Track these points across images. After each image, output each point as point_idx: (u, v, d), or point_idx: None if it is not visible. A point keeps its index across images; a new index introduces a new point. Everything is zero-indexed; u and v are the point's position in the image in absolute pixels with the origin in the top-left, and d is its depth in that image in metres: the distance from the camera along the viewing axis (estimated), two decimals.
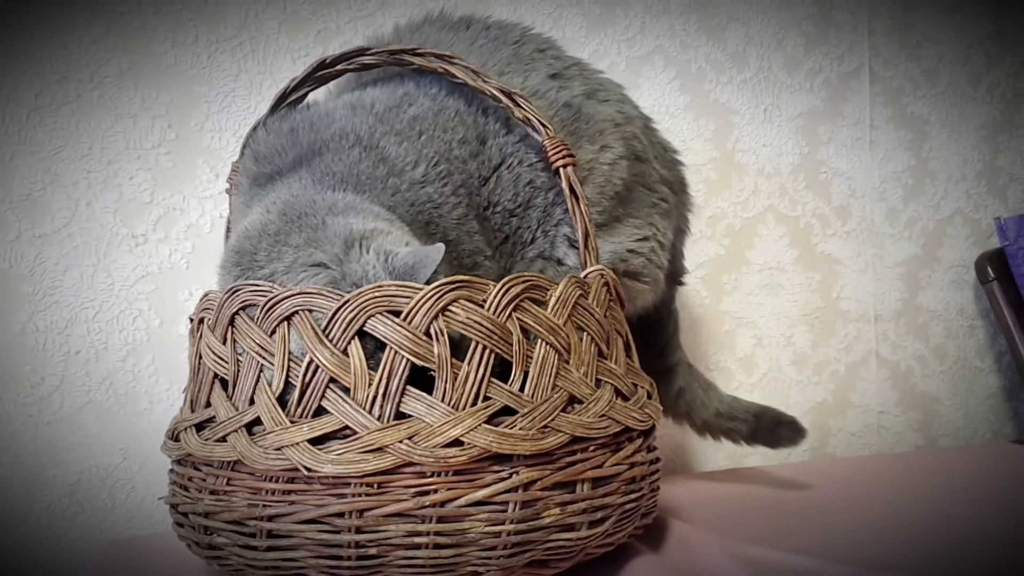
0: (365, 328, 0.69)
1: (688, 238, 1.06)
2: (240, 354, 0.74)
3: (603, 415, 0.74)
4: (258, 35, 1.12)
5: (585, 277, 0.78)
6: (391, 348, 0.68)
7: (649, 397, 0.82)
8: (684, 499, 1.02)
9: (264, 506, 0.69)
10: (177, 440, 0.77)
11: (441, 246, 0.70)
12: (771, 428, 1.07)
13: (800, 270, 1.42)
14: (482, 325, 0.69)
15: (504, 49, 0.89)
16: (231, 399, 0.73)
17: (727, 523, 0.93)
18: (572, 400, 0.73)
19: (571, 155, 0.82)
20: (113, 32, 1.07)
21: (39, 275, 1.05)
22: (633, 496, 0.76)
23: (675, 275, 1.04)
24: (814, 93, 1.43)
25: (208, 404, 0.75)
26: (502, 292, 0.71)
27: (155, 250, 1.09)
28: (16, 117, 1.04)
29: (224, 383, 0.74)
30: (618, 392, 0.77)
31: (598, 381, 0.76)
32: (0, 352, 1.03)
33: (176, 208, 1.09)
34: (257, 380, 0.72)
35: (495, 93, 0.83)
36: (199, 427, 0.75)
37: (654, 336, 1.02)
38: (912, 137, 1.50)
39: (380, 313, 0.69)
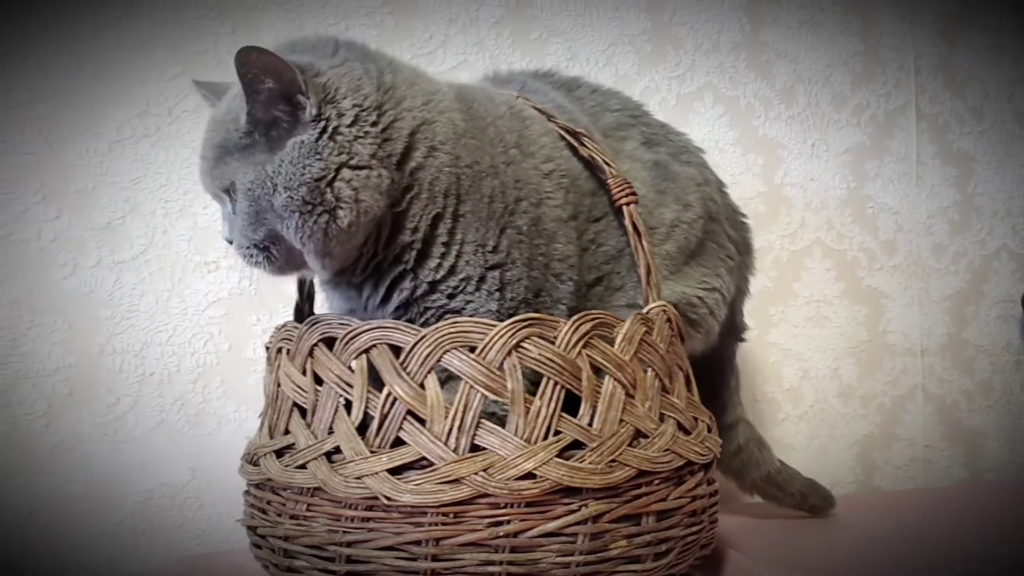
0: (441, 362, 0.72)
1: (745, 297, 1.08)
2: (319, 384, 0.77)
3: (667, 449, 0.76)
4: None
5: (648, 312, 0.81)
6: (466, 383, 0.72)
7: (709, 431, 0.85)
8: (734, 530, 1.04)
9: (343, 532, 0.72)
10: (257, 465, 0.80)
11: (253, 47, 0.72)
12: (814, 506, 1.13)
13: (847, 303, 1.43)
14: (553, 361, 0.72)
15: (608, 115, 0.95)
16: (310, 427, 0.76)
17: (779, 554, 0.95)
18: (638, 434, 0.75)
19: (634, 193, 0.85)
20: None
21: (117, 299, 1.10)
22: (695, 529, 0.79)
23: (736, 332, 1.06)
24: (861, 129, 1.45)
25: (287, 431, 0.79)
26: (572, 329, 0.74)
27: (225, 277, 1.13)
28: (98, 149, 1.10)
29: (303, 411, 0.78)
30: (680, 426, 0.80)
31: (661, 415, 0.79)
32: (79, 373, 1.08)
33: None
34: (336, 410, 0.75)
35: (561, 132, 0.87)
36: (279, 453, 0.78)
37: (715, 392, 1.03)
38: (958, 173, 1.51)
39: (456, 348, 0.72)
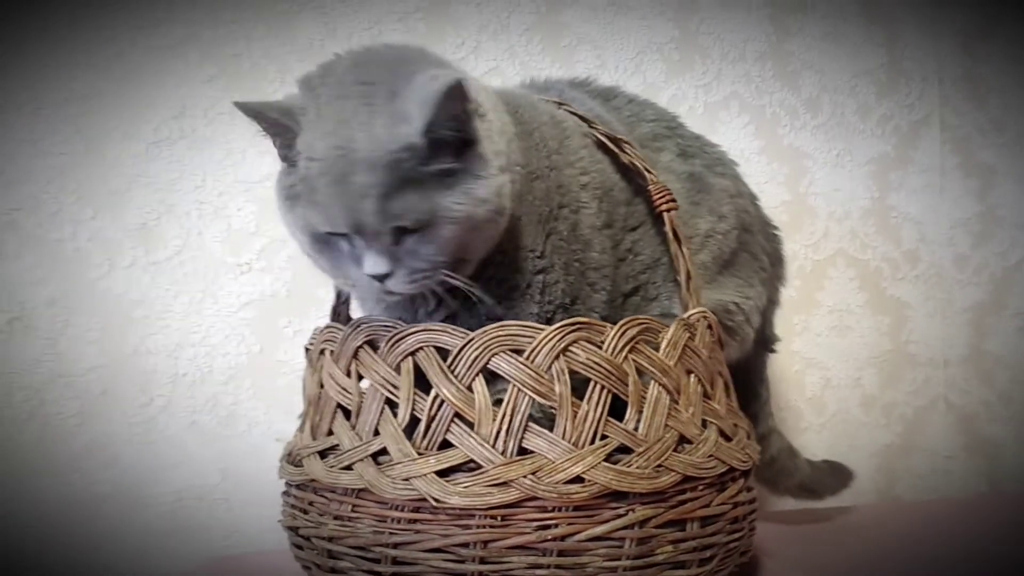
0: (489, 365, 0.73)
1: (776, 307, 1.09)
2: (364, 386, 0.78)
3: (711, 455, 0.77)
4: None
5: (689, 318, 0.81)
6: (514, 386, 0.72)
7: (748, 437, 0.85)
8: (767, 538, 1.04)
9: (390, 533, 0.72)
10: (299, 465, 0.80)
11: (453, 73, 0.69)
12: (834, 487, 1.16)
13: (869, 313, 1.44)
14: (601, 366, 0.73)
15: (644, 125, 0.96)
16: (354, 428, 0.77)
17: (813, 563, 0.95)
18: (682, 440, 0.76)
19: (674, 200, 0.86)
20: (227, 72, 1.13)
21: (151, 300, 1.10)
22: (736, 535, 0.79)
23: (766, 342, 1.07)
24: (885, 139, 1.46)
25: (330, 432, 0.79)
26: (619, 334, 0.75)
27: (258, 279, 1.14)
28: (134, 151, 1.10)
29: (347, 412, 0.78)
30: (722, 432, 0.80)
31: (704, 421, 0.79)
32: (113, 373, 1.08)
33: (279, 239, 1.14)
34: (381, 411, 0.75)
35: (602, 139, 0.87)
36: (322, 454, 0.79)
37: (747, 403, 1.03)
38: (980, 184, 1.51)
39: (504, 351, 0.72)
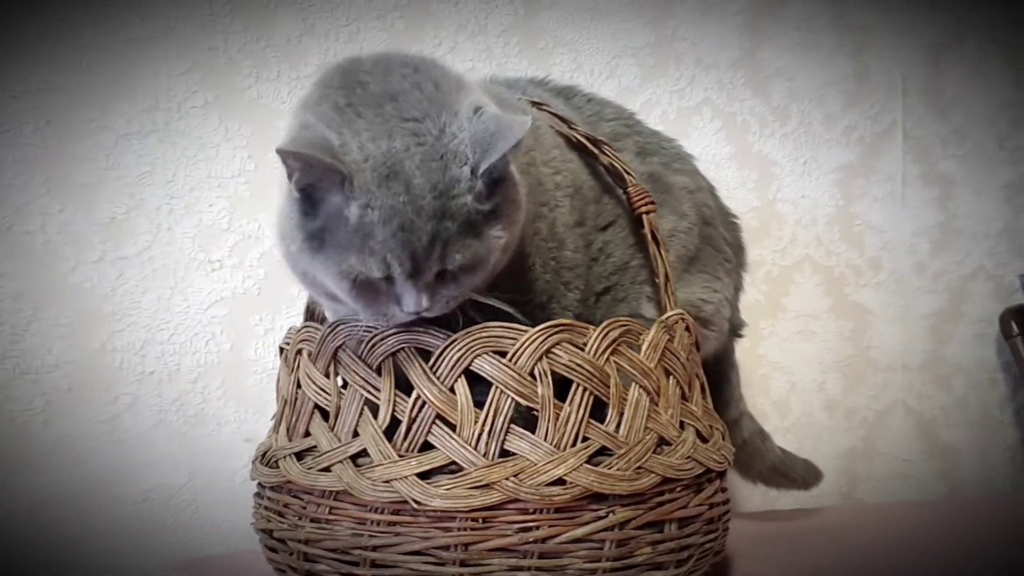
0: (471, 367, 0.73)
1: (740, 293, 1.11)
2: (342, 387, 0.77)
3: (689, 457, 0.78)
4: None
5: (668, 320, 0.82)
6: (496, 387, 0.72)
7: (723, 439, 0.86)
8: (737, 538, 1.06)
9: (369, 536, 0.72)
10: (275, 466, 0.79)
11: (528, 119, 0.69)
12: (811, 483, 1.17)
13: (833, 318, 1.46)
14: (583, 368, 0.73)
15: (605, 124, 0.96)
16: (333, 430, 0.76)
17: (781, 562, 0.97)
18: (661, 442, 0.77)
19: (652, 203, 0.87)
20: (201, 66, 1.11)
21: (119, 296, 1.08)
22: (711, 536, 0.80)
23: (735, 328, 1.09)
24: (850, 149, 1.49)
25: (307, 433, 0.78)
26: (601, 336, 0.75)
27: (230, 276, 1.12)
28: (105, 143, 1.08)
29: (325, 414, 0.78)
30: (699, 434, 0.81)
31: (682, 423, 0.80)
32: (79, 370, 1.06)
33: (251, 236, 1.13)
34: (360, 413, 0.75)
35: (582, 140, 0.88)
36: (299, 455, 0.78)
37: (719, 390, 1.06)
38: (940, 194, 1.55)
39: (487, 353, 0.72)
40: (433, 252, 0.66)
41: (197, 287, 1.11)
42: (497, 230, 0.70)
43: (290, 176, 0.66)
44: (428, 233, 0.66)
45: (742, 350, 1.39)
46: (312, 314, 0.90)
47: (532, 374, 0.72)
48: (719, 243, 0.99)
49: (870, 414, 1.48)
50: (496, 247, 0.70)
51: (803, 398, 1.44)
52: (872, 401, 1.48)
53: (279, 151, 0.64)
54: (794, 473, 1.15)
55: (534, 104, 0.88)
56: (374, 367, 0.75)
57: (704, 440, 0.82)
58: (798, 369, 1.44)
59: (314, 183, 0.66)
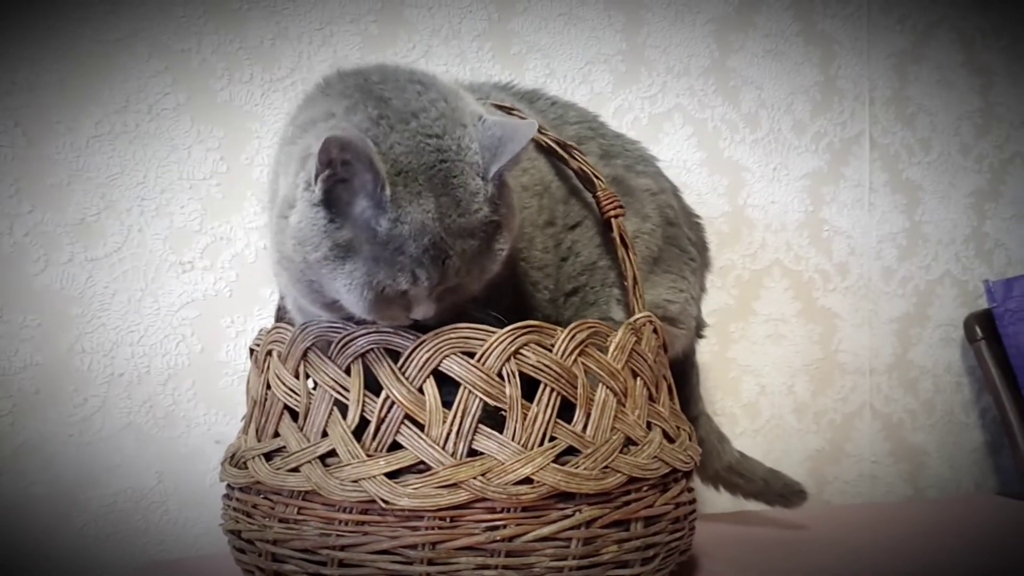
0: (440, 368, 0.73)
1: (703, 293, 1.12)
2: (312, 387, 0.77)
3: (655, 457, 0.79)
4: (309, 76, 1.16)
5: (635, 322, 0.83)
6: (465, 388, 0.73)
7: (690, 439, 0.87)
8: (700, 538, 1.07)
9: (337, 536, 0.72)
10: (243, 467, 0.79)
11: (535, 122, 0.73)
12: (780, 493, 1.15)
13: (802, 322, 1.49)
14: (551, 368, 0.74)
15: (569, 128, 0.97)
16: (302, 430, 0.76)
17: (747, 563, 0.98)
18: (628, 442, 0.78)
19: (622, 207, 0.88)
20: (172, 68, 1.11)
21: (88, 297, 1.08)
22: (677, 535, 0.81)
23: (696, 328, 1.10)
24: (819, 155, 1.51)
25: (277, 434, 0.79)
26: (569, 337, 0.76)
27: (201, 277, 1.12)
28: (76, 144, 1.08)
29: (294, 414, 0.78)
30: (666, 434, 0.82)
31: (649, 424, 0.81)
32: (47, 372, 1.05)
33: (223, 238, 1.13)
34: (330, 413, 0.75)
35: (552, 144, 0.89)
36: (268, 456, 0.78)
37: (678, 388, 1.07)
38: (906, 201, 1.58)
39: (455, 354, 0.73)
40: (458, 268, 0.69)
41: (168, 289, 1.11)
42: (501, 242, 0.73)
43: (318, 175, 0.66)
44: (456, 250, 0.69)
45: (712, 353, 1.41)
46: (282, 315, 0.90)
47: (500, 375, 0.73)
48: (683, 243, 1.01)
49: (838, 417, 1.50)
50: (500, 258, 0.73)
51: (772, 401, 1.46)
52: (840, 404, 1.51)
53: (329, 139, 0.63)
54: (753, 475, 1.14)
55: (500, 108, 0.89)
56: (343, 368, 0.75)
57: (671, 440, 0.83)
58: (767, 372, 1.46)
59: (345, 184, 0.66)
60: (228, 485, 0.83)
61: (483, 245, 0.71)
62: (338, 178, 0.66)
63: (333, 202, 0.67)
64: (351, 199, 0.67)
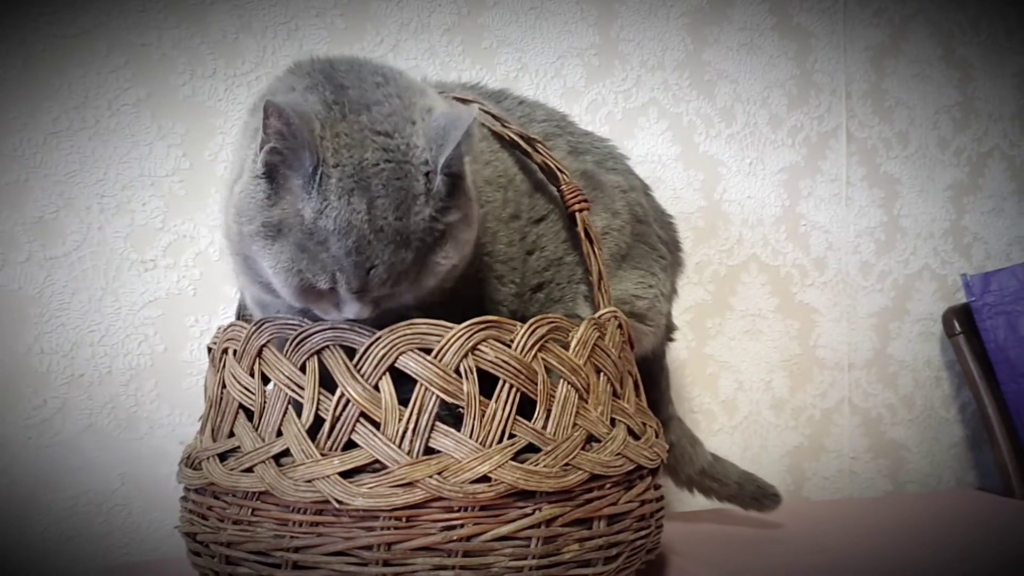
0: (396, 364, 0.71)
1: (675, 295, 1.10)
2: (267, 385, 0.76)
3: (619, 454, 0.77)
4: (274, 71, 1.13)
5: (600, 318, 0.82)
6: (421, 385, 0.71)
7: (657, 436, 0.86)
8: (674, 537, 1.06)
9: (291, 537, 0.70)
10: (198, 468, 0.78)
11: (474, 107, 0.70)
12: (754, 497, 1.13)
13: (780, 318, 1.47)
14: (510, 364, 0.73)
15: (536, 125, 0.96)
16: (257, 430, 0.75)
17: (721, 561, 0.97)
18: (590, 439, 0.76)
19: (586, 200, 0.87)
20: (133, 63, 1.09)
21: (47, 297, 1.05)
22: (643, 533, 0.80)
23: (667, 331, 1.08)
24: (795, 150, 1.50)
25: (232, 434, 0.77)
26: (528, 333, 0.74)
27: (164, 276, 1.10)
28: (33, 140, 1.06)
29: (249, 413, 0.76)
30: (631, 431, 0.81)
31: (613, 420, 0.79)
32: (4, 373, 1.03)
33: (186, 235, 1.11)
34: (285, 412, 0.74)
35: (515, 138, 0.87)
36: (222, 457, 0.76)
37: (647, 391, 1.05)
38: (884, 195, 1.57)
39: (412, 350, 0.71)
40: (384, 279, 0.67)
41: (129, 288, 1.09)
42: (444, 254, 0.70)
43: (262, 145, 0.65)
44: (384, 260, 0.66)
45: (689, 349, 1.40)
46: (243, 312, 0.89)
47: (458, 371, 0.71)
48: (653, 240, 0.99)
49: (816, 412, 1.49)
50: (441, 272, 0.70)
51: (750, 397, 1.45)
52: (819, 399, 1.50)
53: (267, 103, 0.62)
54: (727, 478, 1.13)
55: (464, 102, 0.88)
56: (298, 365, 0.73)
57: (636, 437, 0.81)
58: (745, 368, 1.45)
59: (282, 159, 0.65)
60: (185, 487, 0.81)
61: (419, 256, 0.68)
62: (278, 152, 0.64)
63: (274, 176, 0.66)
64: (285, 179, 0.65)
